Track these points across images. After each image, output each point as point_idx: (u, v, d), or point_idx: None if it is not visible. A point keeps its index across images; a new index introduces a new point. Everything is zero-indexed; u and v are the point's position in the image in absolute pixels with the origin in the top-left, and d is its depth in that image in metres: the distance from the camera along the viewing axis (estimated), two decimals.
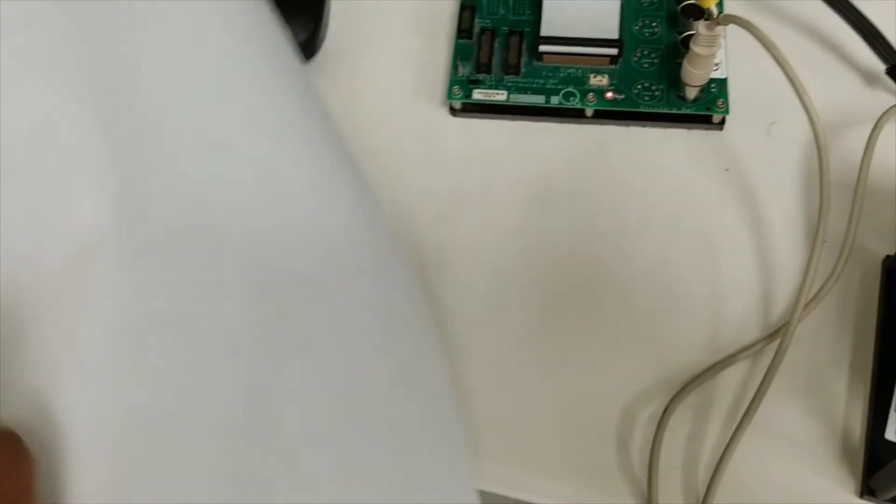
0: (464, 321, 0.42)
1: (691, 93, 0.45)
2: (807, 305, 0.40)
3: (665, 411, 0.39)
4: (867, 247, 0.42)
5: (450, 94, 0.47)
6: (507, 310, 0.42)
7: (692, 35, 0.46)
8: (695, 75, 0.44)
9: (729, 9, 0.49)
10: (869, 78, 0.47)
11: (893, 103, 0.44)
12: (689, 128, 0.47)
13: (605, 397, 0.40)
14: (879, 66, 0.46)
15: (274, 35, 0.29)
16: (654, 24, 0.48)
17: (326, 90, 0.49)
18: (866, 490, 0.37)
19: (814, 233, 0.43)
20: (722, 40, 0.46)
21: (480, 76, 0.47)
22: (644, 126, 0.47)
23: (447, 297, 0.43)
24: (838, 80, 0.47)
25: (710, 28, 0.41)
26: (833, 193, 0.40)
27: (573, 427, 0.40)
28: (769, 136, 0.46)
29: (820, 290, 0.40)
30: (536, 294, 0.43)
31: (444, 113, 0.48)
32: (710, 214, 0.44)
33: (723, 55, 0.46)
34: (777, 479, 0.38)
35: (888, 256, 0.42)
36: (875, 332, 0.40)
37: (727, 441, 0.38)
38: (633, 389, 0.40)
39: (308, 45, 0.49)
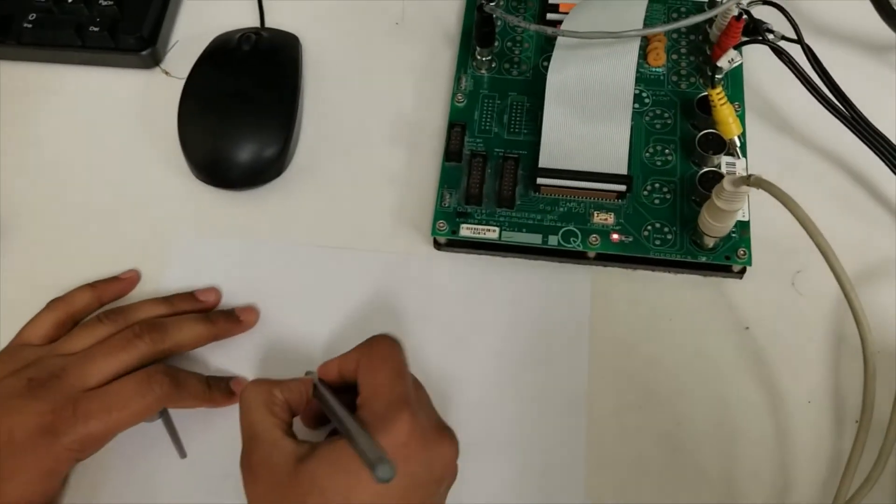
0: None
1: (710, 242, 0.40)
2: None
3: None
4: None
5: (434, 230, 0.41)
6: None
7: (711, 174, 0.40)
8: (715, 228, 0.38)
9: (752, 131, 0.43)
10: None
11: None
12: (704, 275, 0.41)
13: None
14: None
15: None
16: (666, 150, 0.42)
17: (294, 210, 0.43)
18: None
19: (845, 410, 0.38)
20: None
21: (469, 208, 0.41)
22: (653, 271, 0.41)
23: None
24: (873, 224, 0.42)
25: (736, 185, 0.36)
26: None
27: None
28: (795, 288, 0.41)
29: (861, 487, 0.35)
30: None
31: (428, 244, 0.42)
32: (727, 384, 0.39)
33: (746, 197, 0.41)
34: None
35: None
36: None
37: None
38: None
39: (277, 161, 0.43)
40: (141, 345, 0.36)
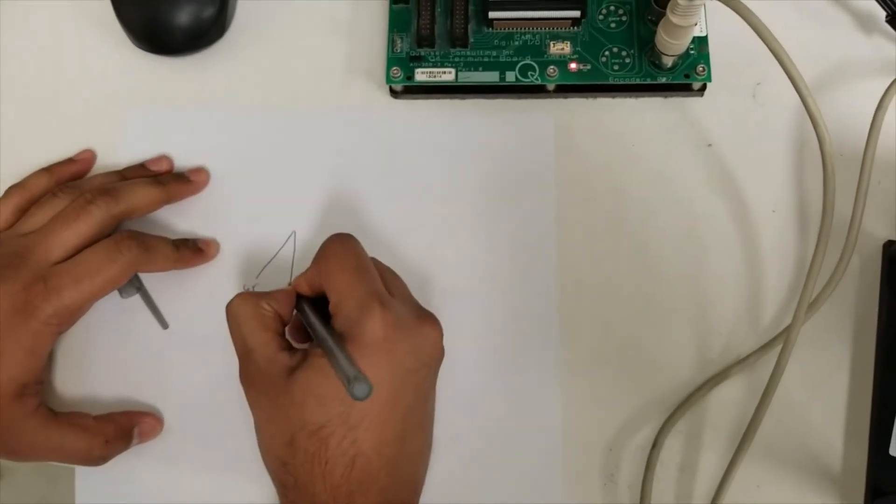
0: None
1: (668, 61, 0.39)
2: (811, 305, 0.36)
3: (654, 444, 0.36)
4: (864, 228, 0.38)
5: (388, 77, 0.40)
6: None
7: None
8: (672, 45, 0.37)
9: None
10: (865, 25, 0.41)
11: (894, 56, 0.39)
12: (665, 96, 0.41)
13: (587, 431, 0.37)
14: (878, 13, 0.40)
15: None
16: None
17: (241, 72, 0.42)
18: None
19: (809, 216, 0.39)
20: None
21: (422, 51, 0.40)
22: (614, 97, 0.41)
23: None
24: (832, 27, 0.41)
25: None
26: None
27: (555, 465, 0.37)
28: (755, 100, 0.41)
29: (825, 287, 0.36)
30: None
31: (384, 94, 0.41)
32: (692, 201, 0.39)
33: (701, 10, 0.40)
34: None
35: (891, 242, 0.38)
36: (876, 335, 0.36)
37: (723, 470, 0.35)
38: (617, 420, 0.37)
39: (217, 21, 0.41)
40: (95, 210, 0.36)
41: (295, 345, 0.35)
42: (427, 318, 0.33)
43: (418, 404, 0.33)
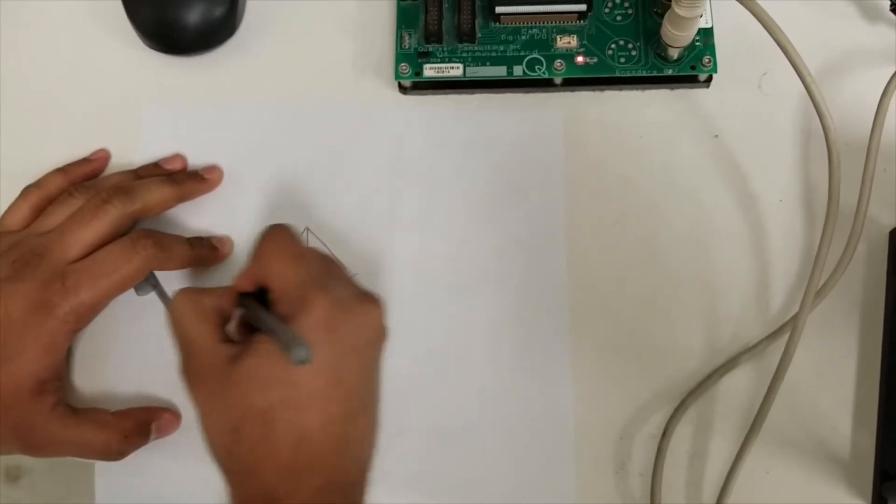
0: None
1: (674, 52, 0.39)
2: (818, 293, 0.36)
3: (664, 433, 0.36)
4: (871, 216, 0.38)
5: (397, 74, 0.40)
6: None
7: None
8: (677, 37, 0.38)
9: None
10: (870, 14, 0.41)
11: None
12: (671, 87, 0.41)
13: (599, 420, 0.37)
14: (883, 2, 0.40)
15: None
16: None
17: (252, 70, 0.42)
18: (878, 499, 0.35)
19: (816, 205, 0.39)
20: None
21: (430, 47, 0.41)
22: (620, 90, 0.41)
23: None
24: (838, 17, 0.41)
25: None
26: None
27: (568, 454, 0.37)
28: (762, 90, 0.41)
29: (832, 275, 0.37)
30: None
31: (394, 90, 0.42)
32: (700, 192, 0.40)
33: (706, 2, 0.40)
34: (785, 490, 0.36)
35: None
36: (883, 321, 0.37)
37: (733, 457, 0.36)
38: (628, 408, 0.37)
39: (227, 20, 0.41)
40: (111, 209, 0.36)
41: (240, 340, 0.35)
42: (368, 298, 0.33)
43: (363, 383, 0.33)
